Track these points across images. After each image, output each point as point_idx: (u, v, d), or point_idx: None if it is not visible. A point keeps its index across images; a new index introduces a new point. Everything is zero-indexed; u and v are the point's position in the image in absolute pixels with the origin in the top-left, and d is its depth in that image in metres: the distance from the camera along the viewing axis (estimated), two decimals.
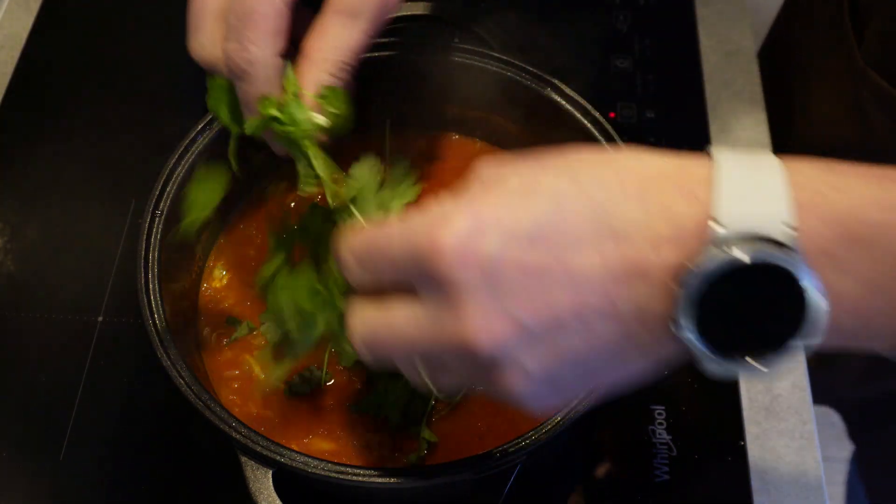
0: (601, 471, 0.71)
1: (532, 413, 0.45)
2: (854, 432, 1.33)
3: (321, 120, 0.55)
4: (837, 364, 1.03)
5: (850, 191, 0.39)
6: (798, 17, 0.94)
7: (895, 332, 0.40)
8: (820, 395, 0.75)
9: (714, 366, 0.40)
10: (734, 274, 0.38)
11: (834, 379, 1.06)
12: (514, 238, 0.39)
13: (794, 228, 0.38)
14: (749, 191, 0.39)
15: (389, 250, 0.43)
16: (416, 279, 0.42)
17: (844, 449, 1.50)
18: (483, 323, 0.40)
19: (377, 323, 0.45)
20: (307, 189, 0.57)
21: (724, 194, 0.39)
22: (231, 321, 0.70)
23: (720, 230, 0.38)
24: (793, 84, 0.93)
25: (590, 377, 0.43)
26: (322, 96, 0.55)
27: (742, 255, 0.37)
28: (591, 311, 0.40)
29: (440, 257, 0.39)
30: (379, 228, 0.44)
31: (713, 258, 0.38)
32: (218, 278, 0.73)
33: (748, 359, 0.40)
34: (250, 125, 0.56)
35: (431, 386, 0.45)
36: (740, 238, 0.38)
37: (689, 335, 0.39)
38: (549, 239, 0.39)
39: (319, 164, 0.56)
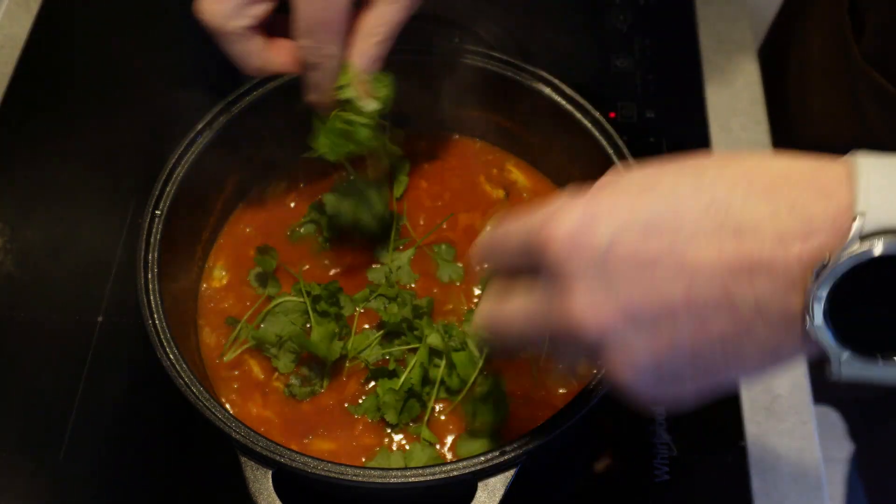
0: (601, 471, 0.71)
1: (650, 404, 0.45)
2: (854, 431, 1.33)
3: (374, 104, 0.63)
4: None
5: None
6: (797, 14, 0.94)
7: None
8: (820, 393, 0.75)
9: (846, 367, 0.39)
10: (873, 269, 0.37)
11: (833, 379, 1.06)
12: (626, 229, 0.40)
13: None
14: (890, 188, 0.37)
15: (508, 243, 0.46)
16: (532, 269, 0.44)
17: (844, 449, 1.50)
18: (590, 307, 0.41)
19: (496, 308, 0.48)
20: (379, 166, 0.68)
21: (866, 188, 0.37)
22: (231, 321, 0.70)
23: (861, 222, 0.37)
24: (792, 81, 0.93)
25: (706, 372, 0.42)
26: (371, 81, 0.63)
27: (886, 247, 0.36)
28: (704, 304, 0.39)
29: (550, 246, 0.41)
30: (501, 226, 0.47)
31: (852, 251, 0.37)
32: (218, 278, 0.73)
33: (881, 357, 0.39)
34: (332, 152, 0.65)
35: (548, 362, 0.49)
36: (883, 231, 0.37)
37: (821, 330, 0.38)
38: (663, 231, 0.40)
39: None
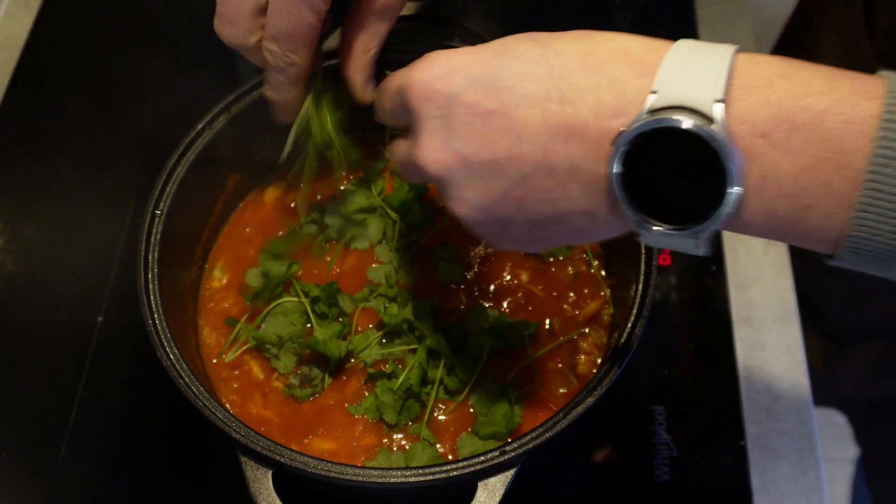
0: (601, 471, 0.71)
1: (492, 242, 0.52)
2: (859, 434, 1.33)
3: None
4: (843, 364, 1.03)
5: (799, 80, 0.41)
6: (811, 15, 0.94)
7: (832, 225, 0.41)
8: (825, 396, 0.76)
9: (644, 232, 0.44)
10: (660, 141, 0.41)
11: (839, 380, 1.06)
12: (472, 83, 0.46)
13: (724, 103, 0.41)
14: (691, 68, 0.42)
15: (389, 88, 0.54)
16: (403, 108, 0.51)
17: (845, 449, 1.50)
18: (431, 149, 0.48)
19: (392, 146, 0.57)
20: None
21: (667, 68, 0.42)
22: (230, 321, 0.70)
23: (653, 98, 0.42)
24: None
25: (533, 223, 0.47)
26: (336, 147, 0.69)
27: (666, 121, 0.41)
28: (526, 161, 0.45)
29: (411, 89, 0.49)
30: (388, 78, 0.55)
31: (642, 121, 0.41)
32: (218, 278, 0.73)
33: (667, 228, 0.43)
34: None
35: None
36: (671, 107, 0.41)
37: (617, 192, 0.43)
38: (501, 90, 0.45)
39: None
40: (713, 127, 0.40)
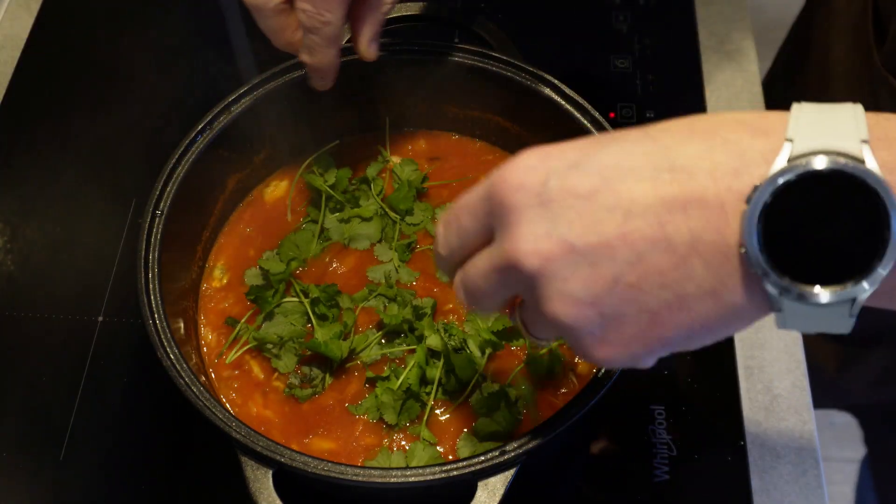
0: (601, 470, 0.71)
1: (596, 354, 0.43)
2: (868, 437, 1.33)
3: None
4: (856, 368, 1.03)
5: None
6: (819, 22, 0.93)
7: None
8: (837, 399, 0.75)
9: (791, 313, 0.39)
10: (803, 192, 0.37)
11: (851, 383, 1.06)
12: (573, 168, 0.41)
13: (868, 143, 0.37)
14: (822, 120, 0.38)
15: (469, 200, 0.46)
16: (490, 217, 0.44)
17: (846, 449, 1.50)
18: (530, 239, 0.41)
19: (465, 270, 0.47)
20: None
21: (796, 120, 0.39)
22: (230, 322, 0.70)
23: (789, 146, 0.38)
24: (811, 87, 0.93)
25: (649, 319, 0.41)
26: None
27: (815, 163, 0.37)
28: (640, 238, 0.40)
29: (503, 185, 0.42)
30: (461, 197, 0.47)
31: (781, 170, 0.37)
32: (218, 278, 0.73)
33: (821, 289, 0.38)
34: None
35: (521, 327, 0.48)
36: (811, 152, 0.37)
37: (755, 257, 0.38)
38: (604, 167, 0.41)
39: None
40: (868, 166, 0.37)
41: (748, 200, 0.38)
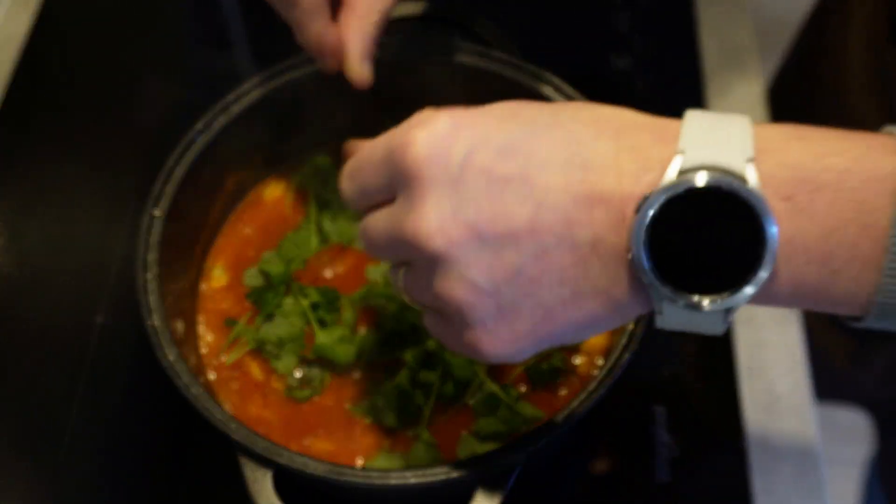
0: (601, 471, 0.71)
1: (482, 346, 0.43)
2: (882, 432, 1.32)
3: None
4: (869, 361, 1.02)
5: (814, 141, 0.40)
6: (833, 22, 0.93)
7: (860, 290, 0.40)
8: (849, 393, 0.75)
9: (670, 313, 0.41)
10: (690, 204, 0.39)
11: (862, 377, 1.06)
12: (485, 146, 0.41)
13: (754, 162, 0.39)
14: (713, 132, 0.40)
15: (372, 156, 0.45)
16: (393, 179, 0.44)
17: (847, 450, 1.50)
18: (436, 219, 0.41)
19: (366, 222, 0.47)
20: None
21: (690, 133, 0.40)
22: (230, 322, 0.70)
23: (679, 159, 0.39)
24: (826, 89, 0.92)
25: (544, 311, 0.42)
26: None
27: (698, 180, 0.39)
28: (547, 232, 0.40)
29: (410, 151, 0.42)
30: (368, 143, 0.47)
31: (669, 184, 0.39)
32: (217, 278, 0.73)
33: (701, 298, 0.40)
34: None
35: (399, 287, 0.48)
36: (699, 167, 0.39)
37: (639, 261, 0.40)
38: (519, 154, 0.41)
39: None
40: (749, 186, 0.38)
41: (637, 210, 0.39)
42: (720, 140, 0.40)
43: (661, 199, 0.39)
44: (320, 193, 0.75)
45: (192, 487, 0.70)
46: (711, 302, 0.40)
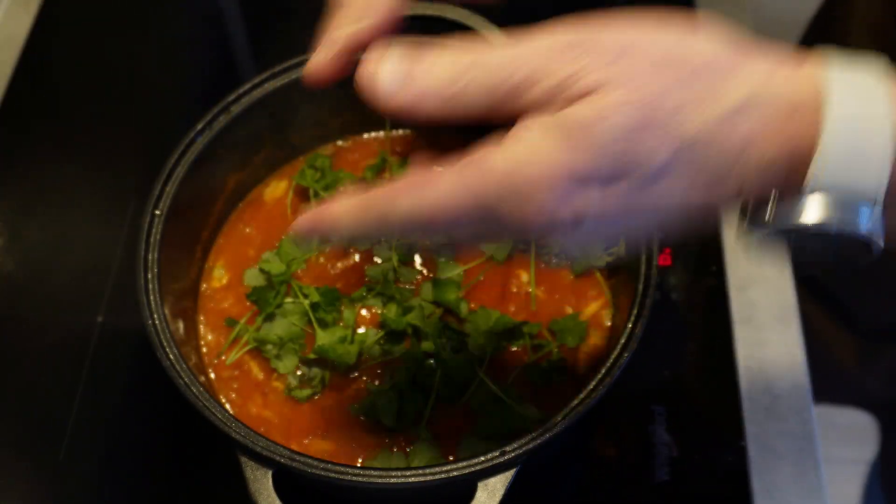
0: (601, 471, 0.71)
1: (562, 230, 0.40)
2: (884, 434, 1.32)
3: None
4: (874, 363, 1.02)
5: None
6: (838, 14, 0.93)
7: None
8: (853, 395, 0.75)
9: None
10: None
11: (870, 378, 1.05)
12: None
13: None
14: (852, 155, 0.38)
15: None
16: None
17: (847, 450, 1.50)
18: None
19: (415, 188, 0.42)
20: None
21: (827, 152, 0.38)
22: (230, 322, 0.70)
23: (812, 186, 0.38)
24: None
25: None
26: None
27: (822, 216, 0.38)
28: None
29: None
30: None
31: (797, 212, 0.39)
32: (217, 278, 0.73)
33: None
34: None
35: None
36: (828, 193, 0.38)
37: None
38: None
39: None
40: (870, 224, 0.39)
41: (771, 219, 0.39)
42: (857, 164, 0.38)
43: (787, 225, 0.39)
44: (319, 193, 0.75)
45: (192, 487, 0.70)
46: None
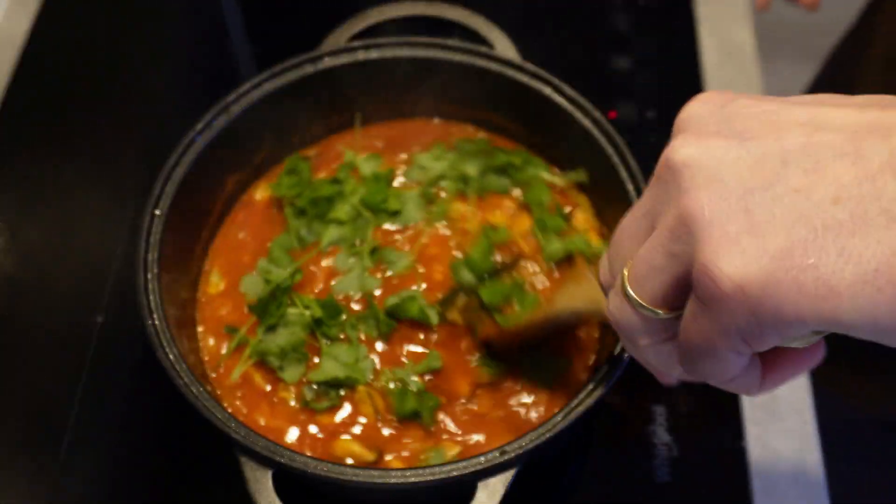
0: (601, 471, 0.71)
1: (719, 260, 0.34)
2: (870, 444, 1.31)
3: None
4: (874, 374, 1.02)
5: None
6: (855, 55, 0.93)
7: None
8: (838, 413, 0.74)
9: None
10: None
11: (870, 389, 1.05)
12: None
13: None
14: None
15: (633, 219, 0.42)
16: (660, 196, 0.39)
17: (847, 450, 1.49)
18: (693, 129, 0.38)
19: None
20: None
21: None
22: (230, 330, 0.69)
23: None
24: (874, 77, 0.92)
25: (806, 233, 0.33)
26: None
27: None
28: (824, 145, 0.34)
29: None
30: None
31: None
32: (215, 284, 0.72)
33: None
34: None
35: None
36: None
37: None
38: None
39: None
40: None
41: None
42: None
43: None
44: (295, 197, 0.73)
45: (192, 487, 0.70)
46: None
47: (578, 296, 0.57)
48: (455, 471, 0.55)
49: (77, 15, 0.96)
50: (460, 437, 0.64)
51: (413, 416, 0.64)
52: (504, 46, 0.75)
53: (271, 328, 0.67)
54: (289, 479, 0.57)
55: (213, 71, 0.92)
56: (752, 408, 0.72)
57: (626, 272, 0.41)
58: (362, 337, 0.67)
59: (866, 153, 0.33)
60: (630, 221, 0.42)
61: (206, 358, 0.69)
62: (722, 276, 0.34)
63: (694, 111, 0.38)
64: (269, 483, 0.56)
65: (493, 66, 0.72)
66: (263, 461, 0.57)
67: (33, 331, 0.76)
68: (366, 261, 0.70)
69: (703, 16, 0.94)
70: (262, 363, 0.67)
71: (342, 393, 0.66)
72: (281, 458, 0.56)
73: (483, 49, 0.73)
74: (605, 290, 0.45)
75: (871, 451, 1.24)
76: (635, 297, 0.40)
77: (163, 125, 0.86)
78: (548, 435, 0.56)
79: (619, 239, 0.43)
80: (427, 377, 0.66)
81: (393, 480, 0.55)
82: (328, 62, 0.73)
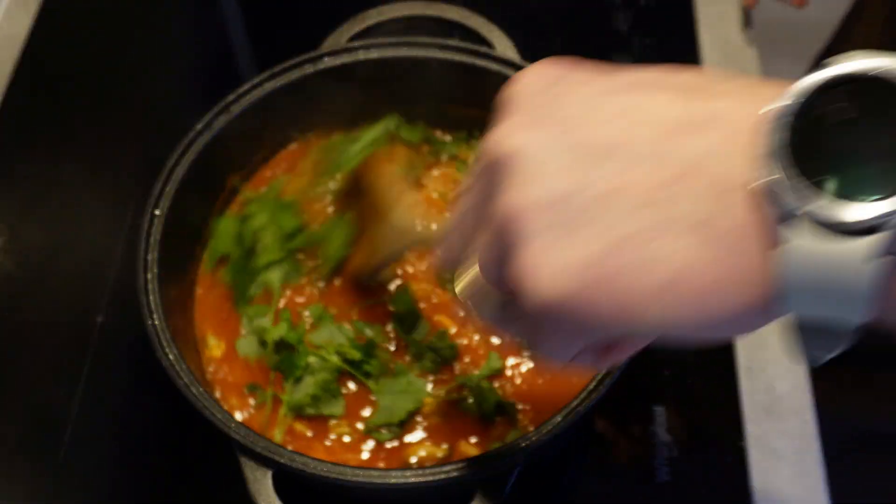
0: (601, 471, 0.71)
1: (527, 275, 0.33)
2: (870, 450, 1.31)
3: None
4: (870, 384, 1.02)
5: None
6: (856, 20, 0.93)
7: None
8: (835, 423, 0.74)
9: (796, 236, 0.30)
10: (836, 104, 0.30)
11: (866, 398, 1.05)
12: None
13: None
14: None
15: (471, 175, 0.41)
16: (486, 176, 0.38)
17: (847, 450, 1.49)
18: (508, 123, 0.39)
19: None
20: None
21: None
22: (252, 388, 0.67)
23: (823, 72, 0.30)
24: None
25: (616, 239, 0.32)
26: None
27: (848, 69, 0.30)
28: (638, 142, 0.33)
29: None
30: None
31: (814, 78, 0.30)
32: (214, 347, 0.70)
33: (846, 206, 0.28)
34: None
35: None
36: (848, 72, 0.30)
37: (776, 152, 0.30)
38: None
39: None
40: None
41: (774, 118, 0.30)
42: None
43: (806, 89, 0.30)
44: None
45: (192, 487, 0.70)
46: (862, 209, 0.28)
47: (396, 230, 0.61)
48: (455, 471, 0.55)
49: (77, 15, 0.96)
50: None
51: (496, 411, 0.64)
52: (504, 46, 0.75)
53: (298, 380, 0.66)
54: (289, 480, 0.57)
55: (213, 71, 0.92)
56: (752, 408, 0.72)
57: (458, 286, 0.43)
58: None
59: (674, 154, 0.32)
60: (458, 218, 0.41)
61: (205, 351, 0.69)
62: (535, 289, 0.33)
63: (524, 87, 0.39)
64: (269, 483, 0.57)
65: (493, 66, 0.72)
66: (263, 461, 0.57)
67: (33, 330, 0.76)
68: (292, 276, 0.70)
69: (703, 16, 0.94)
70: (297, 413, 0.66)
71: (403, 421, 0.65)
72: (281, 458, 0.56)
73: (483, 49, 0.73)
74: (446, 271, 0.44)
75: (871, 451, 1.25)
76: (472, 309, 0.43)
77: (163, 125, 0.86)
78: (548, 435, 0.56)
79: (451, 238, 0.42)
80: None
81: (393, 480, 0.55)
82: (328, 62, 0.73)
